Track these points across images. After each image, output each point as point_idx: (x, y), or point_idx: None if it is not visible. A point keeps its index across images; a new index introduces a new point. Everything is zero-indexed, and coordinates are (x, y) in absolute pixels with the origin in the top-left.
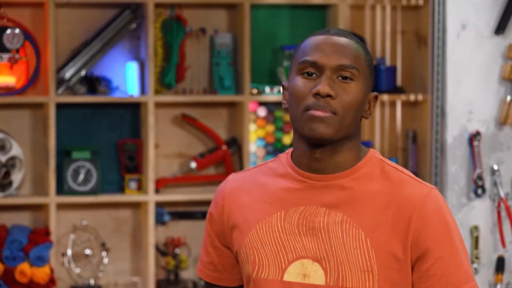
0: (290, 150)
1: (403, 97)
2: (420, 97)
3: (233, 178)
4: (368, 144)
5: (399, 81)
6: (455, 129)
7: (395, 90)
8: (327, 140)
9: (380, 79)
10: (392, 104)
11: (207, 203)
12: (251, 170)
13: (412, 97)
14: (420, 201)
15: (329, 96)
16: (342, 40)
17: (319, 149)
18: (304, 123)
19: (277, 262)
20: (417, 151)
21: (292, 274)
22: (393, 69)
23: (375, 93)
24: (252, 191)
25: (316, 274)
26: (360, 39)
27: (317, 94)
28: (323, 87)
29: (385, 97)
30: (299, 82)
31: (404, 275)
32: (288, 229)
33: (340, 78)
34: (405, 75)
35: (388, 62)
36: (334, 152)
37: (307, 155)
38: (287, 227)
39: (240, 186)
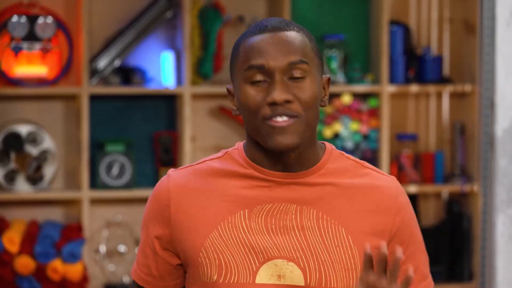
0: (239, 147)
1: (450, 87)
2: (468, 87)
3: (176, 175)
4: (413, 137)
5: (446, 71)
6: (505, 121)
7: (442, 80)
8: (294, 148)
9: (426, 69)
10: (439, 95)
11: None
12: (195, 166)
13: (459, 88)
14: (394, 196)
15: (287, 101)
16: (284, 34)
17: (284, 154)
18: (267, 135)
19: (247, 264)
20: (465, 144)
21: (265, 276)
22: (439, 59)
23: (327, 76)
24: (206, 190)
25: (292, 274)
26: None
27: (273, 103)
28: (278, 94)
29: (432, 88)
30: (249, 92)
31: None
32: (255, 229)
33: (291, 78)
34: (453, 65)
35: (434, 52)
36: (299, 151)
37: (270, 157)
38: (254, 226)
39: (187, 183)
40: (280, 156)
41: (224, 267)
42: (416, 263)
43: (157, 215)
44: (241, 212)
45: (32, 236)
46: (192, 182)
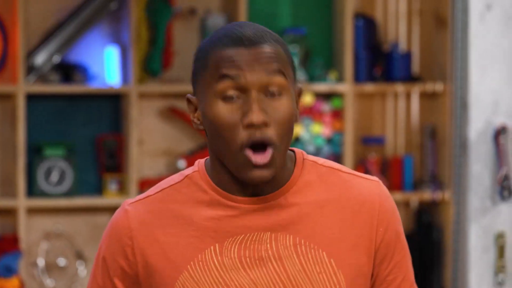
0: (200, 168)
1: (420, 87)
2: (439, 87)
3: (135, 209)
4: (380, 141)
5: (415, 69)
6: (479, 123)
7: (410, 79)
8: (268, 180)
9: (394, 66)
10: (408, 95)
11: None
12: (154, 197)
13: (430, 87)
14: (376, 203)
15: (264, 123)
16: (260, 49)
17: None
18: (242, 166)
19: None
20: (436, 148)
21: None
22: (408, 56)
23: (299, 87)
24: (168, 225)
25: None
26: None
27: (250, 125)
28: (256, 116)
29: (400, 87)
30: (222, 110)
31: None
32: (228, 265)
33: (268, 95)
34: (423, 62)
35: (403, 48)
36: (271, 180)
37: (238, 181)
38: (227, 262)
39: (149, 219)
40: (249, 185)
41: None
42: (403, 272)
43: (119, 255)
44: (211, 247)
45: None
46: (154, 217)
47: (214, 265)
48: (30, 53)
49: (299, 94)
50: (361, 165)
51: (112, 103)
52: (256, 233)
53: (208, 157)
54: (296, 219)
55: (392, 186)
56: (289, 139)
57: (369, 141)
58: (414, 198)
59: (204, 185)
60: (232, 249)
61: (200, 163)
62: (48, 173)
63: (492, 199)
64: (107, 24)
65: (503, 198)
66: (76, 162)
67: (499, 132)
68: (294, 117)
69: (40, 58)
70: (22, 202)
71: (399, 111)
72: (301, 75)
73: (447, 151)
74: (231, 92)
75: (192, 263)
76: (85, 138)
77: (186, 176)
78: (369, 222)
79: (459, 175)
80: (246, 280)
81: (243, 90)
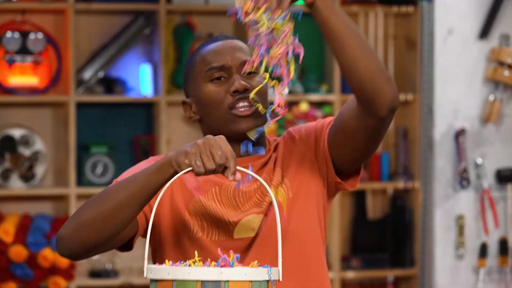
0: None
1: None
2: (410, 96)
3: (160, 157)
4: None
5: None
6: (443, 126)
7: None
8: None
9: None
10: None
11: None
12: None
13: (402, 97)
14: (290, 136)
15: (246, 90)
16: (234, 41)
17: (241, 141)
18: (232, 122)
19: (224, 226)
20: (408, 146)
21: (241, 231)
22: None
23: None
24: (179, 179)
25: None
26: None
27: (235, 92)
28: (239, 83)
29: None
30: (212, 88)
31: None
32: (225, 203)
33: (245, 74)
34: (396, 76)
35: None
36: (253, 142)
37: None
38: (224, 200)
39: None
40: (234, 146)
41: (206, 228)
42: (317, 124)
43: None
44: (213, 189)
45: (25, 227)
46: None
47: (214, 201)
48: (79, 70)
49: None
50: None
51: (146, 110)
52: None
53: None
54: (269, 163)
55: (372, 177)
56: (266, 105)
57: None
58: (390, 187)
59: None
60: (229, 190)
61: None
62: (94, 167)
63: (453, 188)
64: (141, 46)
65: (462, 187)
66: (116, 158)
67: (459, 133)
68: (267, 92)
69: (87, 74)
70: (73, 190)
71: None
72: (298, 87)
73: (417, 149)
74: (217, 75)
75: (197, 197)
76: (124, 138)
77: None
78: (292, 142)
79: (426, 168)
80: (239, 210)
81: (227, 72)
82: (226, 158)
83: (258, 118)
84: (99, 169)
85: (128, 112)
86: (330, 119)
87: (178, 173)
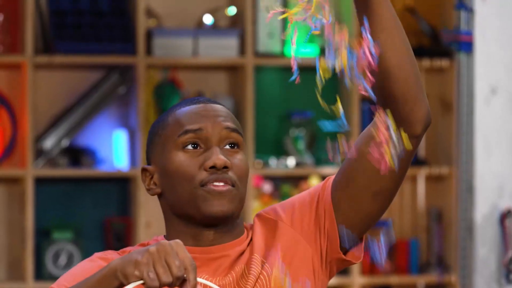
0: (159, 239)
1: (426, 170)
2: (445, 170)
3: (109, 254)
4: (386, 224)
5: (421, 153)
6: (485, 206)
7: (417, 162)
8: (226, 218)
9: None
10: (413, 179)
11: None
12: (118, 255)
13: (436, 171)
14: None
15: (225, 167)
16: (217, 106)
17: (214, 227)
18: (202, 200)
19: None
20: (442, 231)
21: None
22: None
23: None
24: None
25: None
26: None
27: (212, 167)
28: (219, 158)
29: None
30: (182, 158)
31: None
32: None
33: (228, 146)
34: (428, 145)
35: None
36: (228, 229)
37: (195, 238)
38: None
39: None
40: (208, 234)
41: None
42: (299, 198)
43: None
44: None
45: None
46: None
47: None
48: (39, 137)
49: None
50: (368, 248)
51: (120, 187)
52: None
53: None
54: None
55: (399, 269)
56: (245, 189)
57: (375, 224)
58: (421, 281)
59: None
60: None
61: (160, 236)
62: (56, 256)
63: (498, 282)
64: (115, 108)
65: (509, 281)
66: (84, 245)
67: (505, 216)
68: (248, 173)
69: (48, 142)
70: (30, 286)
71: (405, 194)
72: (307, 158)
73: (453, 234)
74: (192, 142)
75: None
76: (93, 221)
77: (145, 244)
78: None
79: (465, 258)
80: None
81: (205, 141)
82: (185, 269)
83: (234, 202)
84: (62, 260)
85: (99, 189)
86: (328, 179)
87: (124, 286)
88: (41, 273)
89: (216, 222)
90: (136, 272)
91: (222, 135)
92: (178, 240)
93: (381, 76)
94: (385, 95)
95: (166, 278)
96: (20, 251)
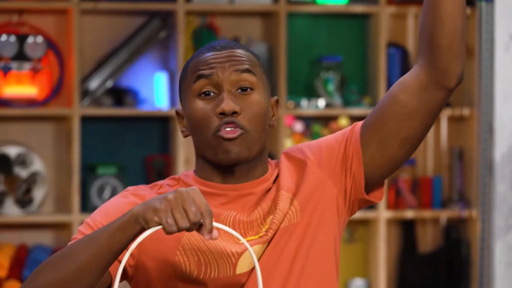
0: (189, 172)
1: (449, 111)
2: (466, 112)
3: (141, 189)
4: (410, 162)
5: None
6: (504, 146)
7: None
8: (242, 161)
9: None
10: (437, 119)
11: None
12: (150, 190)
13: (458, 112)
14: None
15: (234, 113)
16: (232, 51)
17: (236, 167)
18: (216, 147)
19: (225, 259)
20: (463, 169)
21: (244, 265)
22: None
23: (275, 97)
24: None
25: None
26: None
27: (222, 114)
28: (227, 104)
29: None
30: (199, 105)
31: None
32: (224, 234)
33: (240, 90)
34: None
35: None
36: (250, 168)
37: (222, 176)
38: (222, 232)
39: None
40: (232, 172)
41: (203, 264)
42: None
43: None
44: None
45: (21, 260)
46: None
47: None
48: (85, 79)
49: (276, 103)
50: (393, 185)
51: (161, 125)
52: (245, 214)
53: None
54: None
55: (422, 204)
56: (260, 131)
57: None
58: (443, 215)
59: (191, 181)
60: (227, 221)
61: (186, 171)
62: (101, 190)
63: None
64: (156, 52)
65: None
66: (126, 180)
67: None
68: (266, 114)
69: (93, 83)
70: (76, 217)
71: (429, 134)
72: (337, 100)
73: (474, 172)
74: (206, 89)
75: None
76: (135, 158)
77: (175, 179)
78: (302, 168)
79: (485, 194)
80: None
81: (217, 87)
82: (201, 214)
83: (245, 146)
84: (106, 193)
85: (141, 127)
86: (356, 124)
87: (145, 230)
88: (86, 206)
89: (233, 165)
90: (156, 218)
91: (232, 79)
92: (195, 187)
93: (433, 24)
94: (433, 43)
95: (184, 224)
96: (67, 186)
